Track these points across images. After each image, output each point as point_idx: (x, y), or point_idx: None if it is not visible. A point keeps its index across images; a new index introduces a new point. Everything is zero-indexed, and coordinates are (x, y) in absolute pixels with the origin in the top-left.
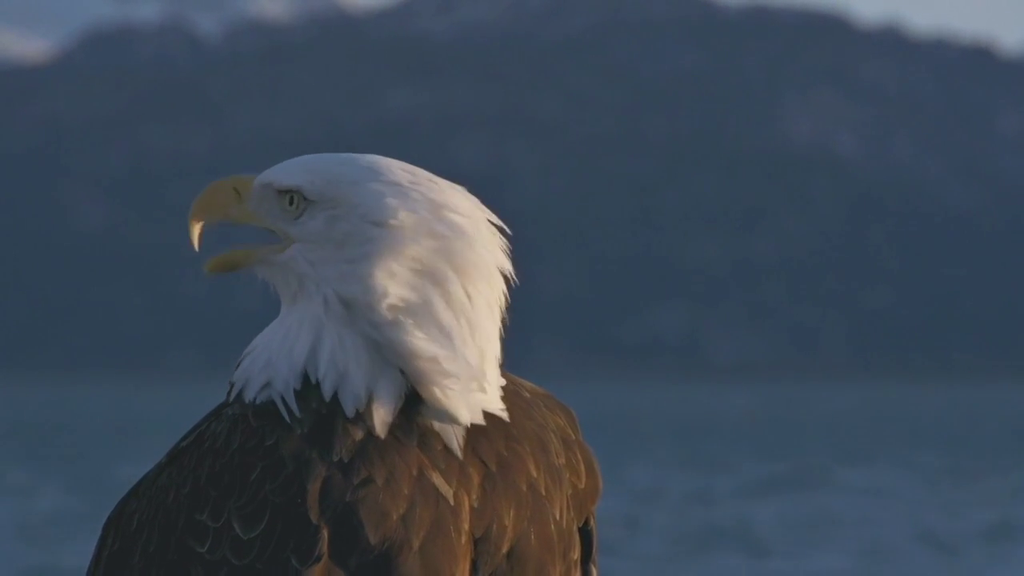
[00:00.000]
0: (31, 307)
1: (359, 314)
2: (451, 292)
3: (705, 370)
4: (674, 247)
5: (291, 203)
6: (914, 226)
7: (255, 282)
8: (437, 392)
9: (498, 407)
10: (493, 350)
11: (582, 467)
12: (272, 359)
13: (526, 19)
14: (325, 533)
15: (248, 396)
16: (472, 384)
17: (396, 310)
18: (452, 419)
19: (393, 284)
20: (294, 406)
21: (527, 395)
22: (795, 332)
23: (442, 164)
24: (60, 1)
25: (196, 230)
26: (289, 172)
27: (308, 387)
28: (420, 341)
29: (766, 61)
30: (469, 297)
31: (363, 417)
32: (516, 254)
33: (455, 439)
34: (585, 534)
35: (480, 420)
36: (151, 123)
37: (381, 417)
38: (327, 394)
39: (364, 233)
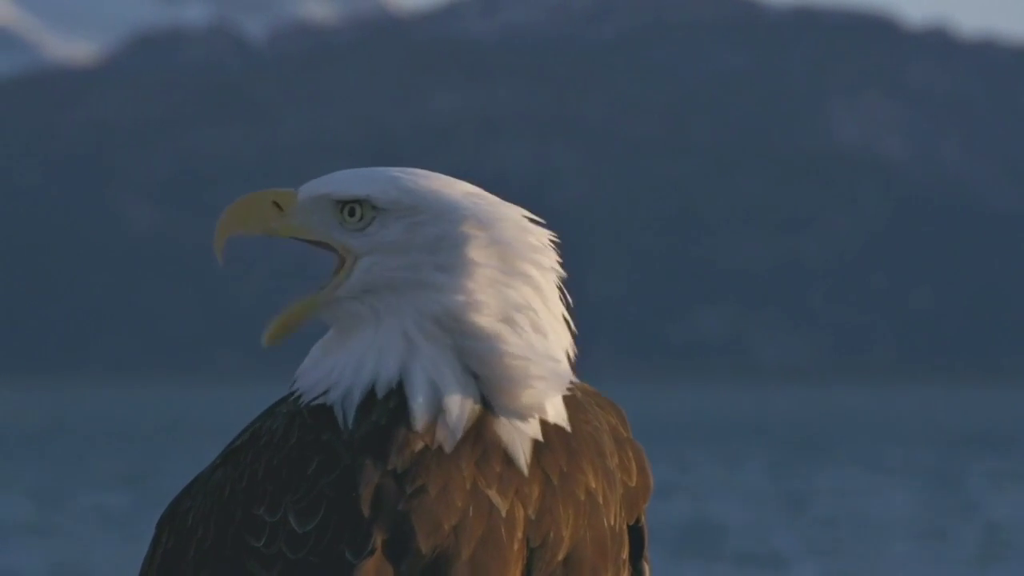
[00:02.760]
0: (80, 309)
1: (451, 320)
2: (543, 290)
3: (751, 372)
4: (720, 249)
5: (352, 214)
6: (960, 228)
7: (303, 283)
8: (525, 395)
9: (563, 417)
10: (571, 350)
11: (633, 465)
12: (345, 371)
13: (570, 21)
14: (377, 533)
15: (307, 401)
16: (561, 383)
17: (493, 312)
18: (532, 420)
19: (492, 287)
20: (351, 416)
21: (579, 395)
22: (840, 334)
23: (486, 166)
24: (107, 5)
25: (222, 242)
26: (352, 183)
27: (373, 398)
28: (516, 342)
29: (812, 63)
30: (548, 297)
31: (430, 429)
32: (562, 256)
33: (522, 453)
34: (636, 532)
35: (562, 422)
36: (198, 125)
37: (450, 429)
38: (393, 404)
39: (455, 237)
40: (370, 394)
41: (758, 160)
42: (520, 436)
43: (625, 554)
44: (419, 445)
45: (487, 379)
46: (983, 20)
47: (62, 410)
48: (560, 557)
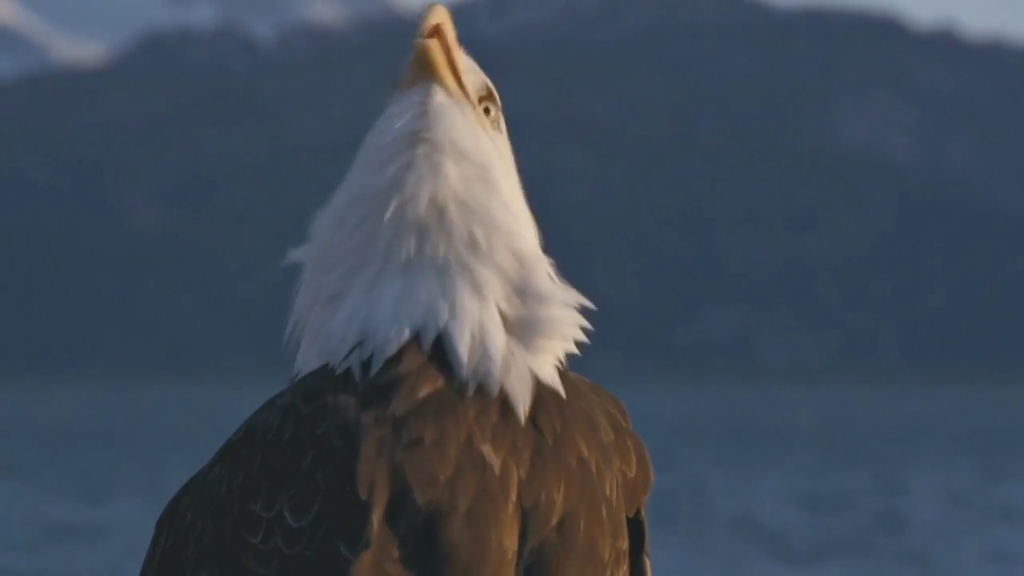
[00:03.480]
0: (87, 309)
1: (511, 256)
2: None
3: (758, 373)
4: (727, 250)
5: (488, 112)
6: (968, 229)
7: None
8: (553, 343)
9: (558, 383)
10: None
11: (633, 456)
12: (382, 318)
13: (579, 22)
14: (374, 519)
15: (338, 358)
16: (579, 333)
17: (540, 255)
18: (538, 372)
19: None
20: (377, 366)
21: (573, 377)
22: (848, 335)
23: None
24: (114, 6)
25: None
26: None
27: (412, 352)
28: (559, 285)
29: (820, 63)
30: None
31: (445, 373)
32: (569, 257)
33: (522, 405)
34: (636, 525)
35: (557, 387)
36: (206, 127)
37: (491, 375)
38: (426, 343)
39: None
40: (409, 342)
41: (766, 160)
42: (522, 387)
43: (625, 544)
44: (423, 391)
45: (514, 322)
46: (990, 21)
47: (66, 411)
48: (553, 522)
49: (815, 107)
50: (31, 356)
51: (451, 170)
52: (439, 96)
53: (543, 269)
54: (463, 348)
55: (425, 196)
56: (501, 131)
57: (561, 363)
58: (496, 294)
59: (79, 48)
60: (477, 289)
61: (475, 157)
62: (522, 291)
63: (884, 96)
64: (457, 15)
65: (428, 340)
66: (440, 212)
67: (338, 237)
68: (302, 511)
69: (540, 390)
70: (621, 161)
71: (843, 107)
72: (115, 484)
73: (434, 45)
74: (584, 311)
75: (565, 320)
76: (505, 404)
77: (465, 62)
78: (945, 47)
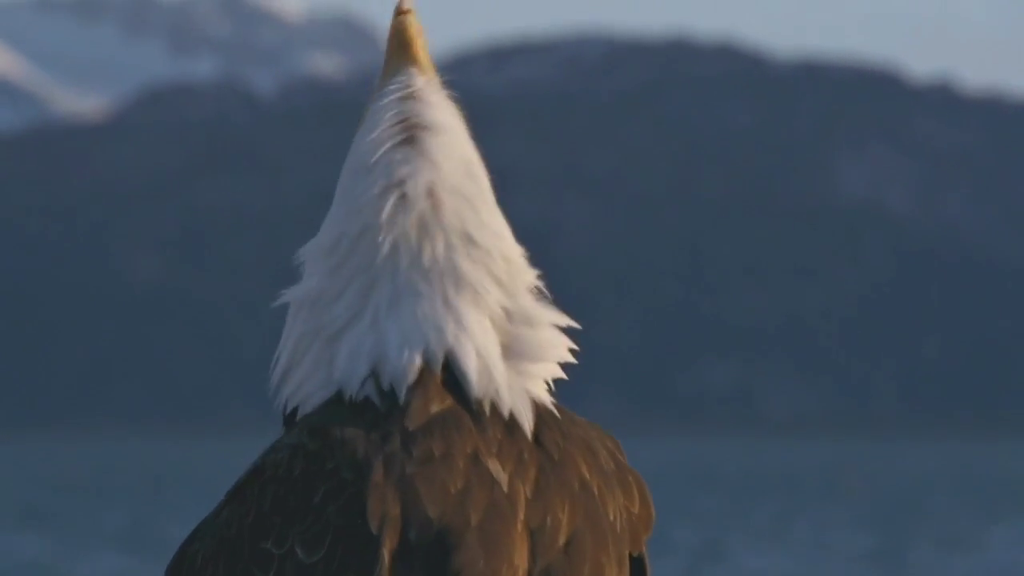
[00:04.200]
0: (88, 362)
1: (505, 274)
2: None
3: (757, 423)
4: (726, 300)
5: None
6: (966, 280)
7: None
8: (547, 365)
9: (553, 405)
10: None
11: (635, 491)
12: (390, 348)
13: (578, 76)
14: (385, 553)
15: (351, 389)
16: (569, 353)
17: (529, 270)
18: (536, 392)
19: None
20: (400, 395)
21: (568, 411)
22: (847, 386)
23: None
24: (116, 59)
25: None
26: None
27: (425, 371)
28: (546, 305)
29: (818, 116)
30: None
31: (452, 390)
32: (569, 308)
33: (527, 420)
34: (637, 562)
35: (553, 408)
36: (206, 179)
37: (498, 395)
38: (435, 367)
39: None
40: (421, 370)
41: (765, 212)
42: (525, 405)
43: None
44: (434, 407)
45: (507, 344)
46: (988, 75)
47: (66, 463)
48: (560, 543)
49: (813, 159)
50: (31, 408)
51: (442, 160)
52: (420, 81)
53: (531, 281)
54: (471, 369)
55: (422, 193)
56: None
57: (550, 386)
58: (493, 312)
59: (81, 101)
60: (477, 302)
61: (463, 147)
62: (515, 309)
63: (882, 149)
64: (457, 68)
65: (437, 364)
66: (438, 211)
67: (331, 265)
68: (314, 546)
69: (539, 409)
70: (621, 213)
71: (841, 159)
72: (110, 533)
73: (412, 20)
74: (574, 335)
75: (554, 343)
76: (510, 421)
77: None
78: (943, 100)
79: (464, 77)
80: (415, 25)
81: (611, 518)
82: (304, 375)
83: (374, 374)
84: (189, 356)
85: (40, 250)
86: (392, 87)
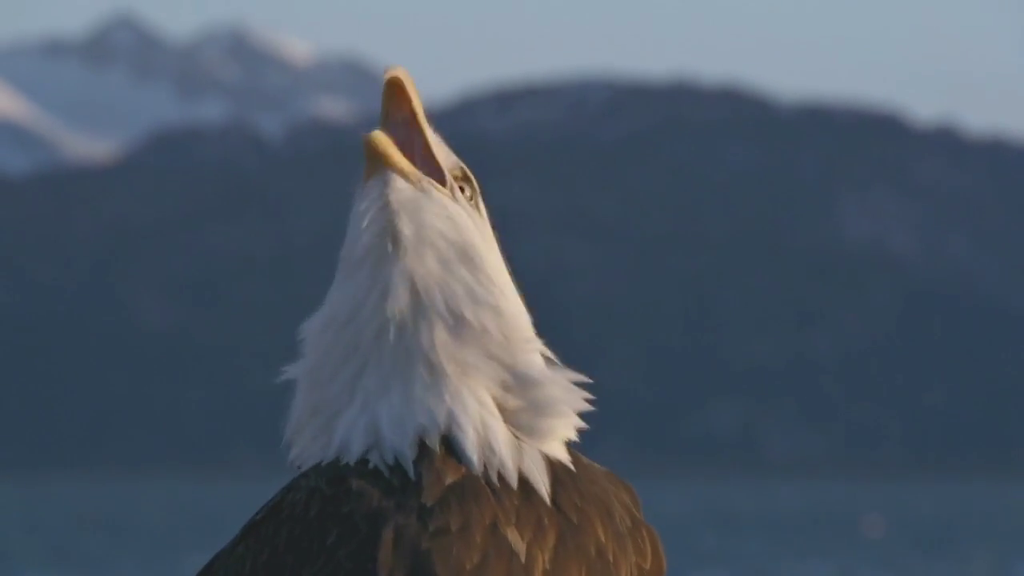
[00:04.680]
0: (96, 406)
1: (501, 346)
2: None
3: (761, 467)
4: (731, 344)
5: (462, 191)
6: (971, 325)
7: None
8: (557, 424)
9: (570, 462)
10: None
11: (648, 547)
12: (387, 425)
13: (584, 119)
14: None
15: (350, 458)
16: (581, 408)
17: (529, 331)
18: (549, 453)
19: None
20: (409, 469)
21: (585, 461)
22: (851, 430)
23: None
24: (124, 103)
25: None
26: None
27: (424, 448)
28: (550, 368)
29: (821, 160)
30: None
31: (463, 464)
32: (574, 351)
33: (543, 484)
34: None
35: (569, 465)
36: (215, 223)
37: (503, 466)
38: (433, 445)
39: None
40: (419, 446)
41: (769, 256)
42: (538, 469)
43: None
44: (447, 479)
45: (516, 409)
46: (991, 118)
47: (76, 505)
48: None
49: (817, 203)
50: (41, 451)
51: (427, 253)
52: (398, 183)
53: (535, 349)
54: (470, 447)
55: (403, 287)
56: (480, 211)
57: (569, 442)
58: (490, 384)
59: (89, 145)
60: (472, 387)
61: (451, 235)
62: (516, 377)
63: (886, 192)
64: (463, 112)
65: (434, 442)
66: (421, 300)
67: (323, 346)
68: None
69: (555, 469)
70: (625, 256)
71: (845, 203)
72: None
73: (381, 136)
74: (584, 386)
75: (564, 399)
76: (526, 486)
77: (434, 137)
78: (947, 144)
79: (470, 120)
80: (388, 139)
81: None
82: (306, 444)
83: (375, 450)
84: (197, 400)
85: (48, 293)
86: (381, 177)
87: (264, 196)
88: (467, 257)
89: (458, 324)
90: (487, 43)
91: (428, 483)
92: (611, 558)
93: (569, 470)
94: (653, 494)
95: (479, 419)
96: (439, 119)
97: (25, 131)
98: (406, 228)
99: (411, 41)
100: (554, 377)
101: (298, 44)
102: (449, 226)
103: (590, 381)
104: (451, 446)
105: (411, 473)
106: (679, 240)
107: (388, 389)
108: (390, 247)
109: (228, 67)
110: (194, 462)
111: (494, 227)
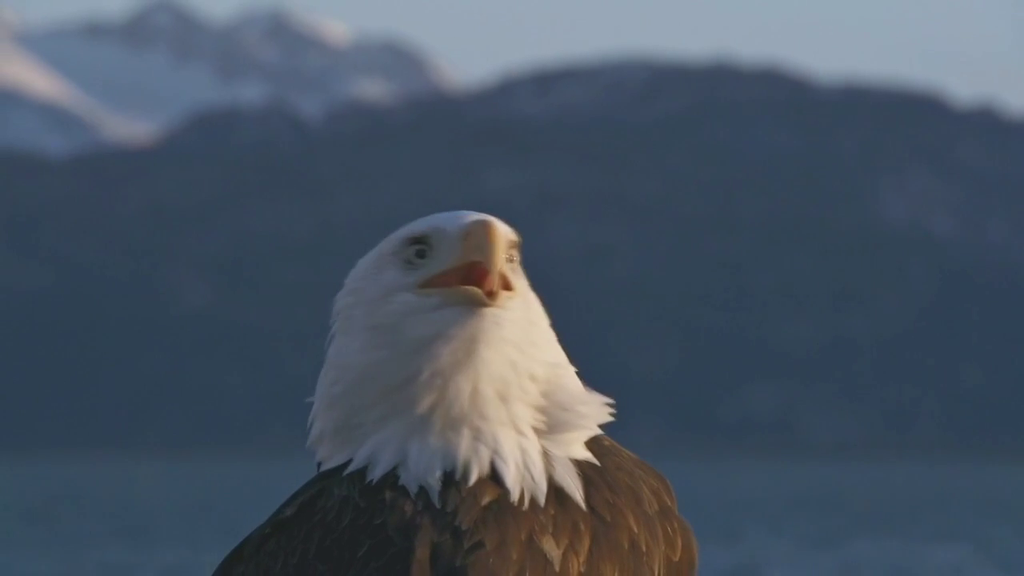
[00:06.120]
0: (136, 387)
1: (531, 382)
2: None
3: (799, 449)
4: (769, 326)
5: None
6: (1009, 306)
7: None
8: (583, 435)
9: (593, 457)
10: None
11: (679, 539)
12: (426, 457)
13: (622, 101)
14: None
15: (375, 476)
16: (604, 415)
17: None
18: (575, 456)
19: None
20: (433, 495)
21: (616, 449)
22: (889, 411)
23: (539, 243)
24: (165, 85)
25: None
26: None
27: (453, 475)
28: (579, 387)
29: (861, 141)
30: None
31: (498, 485)
32: (612, 333)
33: (576, 489)
34: None
35: (594, 460)
36: (254, 204)
37: (537, 487)
38: (472, 477)
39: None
40: (452, 475)
41: (807, 237)
42: (570, 476)
43: None
44: (485, 499)
45: (547, 427)
46: None
47: (115, 485)
48: None
49: (856, 184)
50: (81, 432)
51: (493, 360)
52: (483, 318)
53: (566, 373)
54: (511, 479)
55: (467, 386)
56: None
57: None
58: (528, 415)
59: (130, 127)
60: (512, 422)
61: (513, 339)
62: (550, 401)
63: (925, 173)
64: (502, 94)
65: (474, 471)
66: (479, 392)
67: (364, 397)
68: None
69: (584, 470)
70: (663, 238)
71: (884, 184)
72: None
73: (495, 228)
74: (609, 401)
75: (591, 415)
76: (560, 494)
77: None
78: (986, 124)
79: (509, 102)
80: (500, 238)
81: (656, 572)
82: (330, 453)
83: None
84: (235, 381)
85: (88, 275)
86: (466, 307)
87: (303, 177)
88: (521, 350)
89: (507, 398)
90: (526, 24)
91: (465, 504)
92: (644, 548)
93: (596, 467)
94: (689, 476)
95: (518, 448)
96: (478, 102)
97: (65, 113)
98: (483, 351)
99: (450, 23)
100: (583, 397)
101: (337, 26)
102: (513, 334)
103: (613, 401)
104: (491, 473)
105: (435, 499)
106: (717, 221)
107: (423, 434)
108: (459, 357)
109: (267, 49)
110: (231, 442)
111: (531, 207)
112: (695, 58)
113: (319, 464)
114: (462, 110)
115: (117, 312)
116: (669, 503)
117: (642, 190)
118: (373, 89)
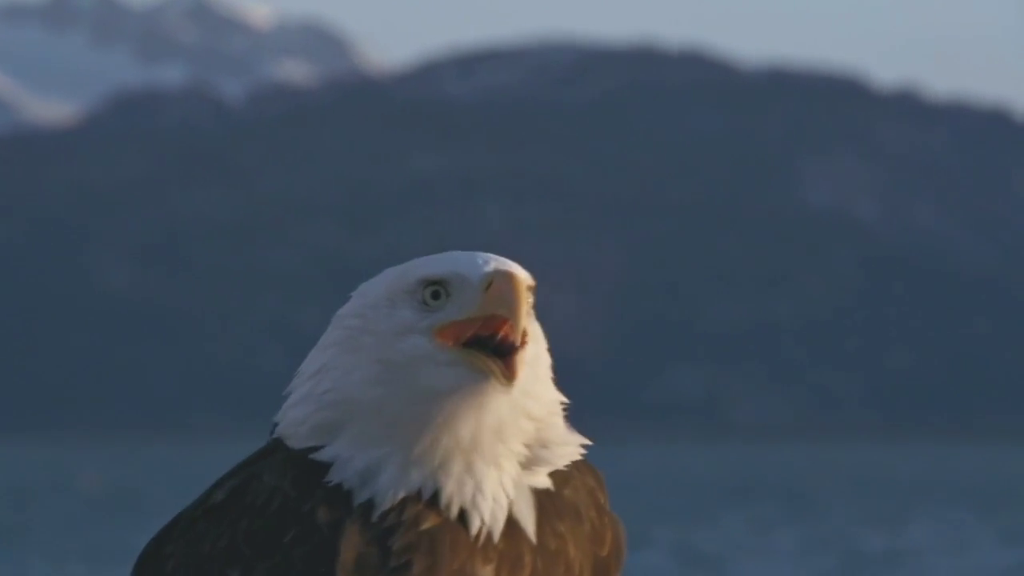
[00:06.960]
0: (58, 369)
1: (531, 421)
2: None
3: (726, 431)
4: (695, 309)
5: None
6: (934, 287)
7: (279, 343)
8: (547, 469)
9: (548, 481)
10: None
11: (609, 535)
12: (394, 474)
13: (547, 83)
14: None
15: (339, 478)
16: (576, 452)
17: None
18: (533, 487)
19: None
20: (381, 507)
21: (561, 442)
22: (816, 393)
23: (464, 226)
24: (86, 66)
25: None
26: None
27: (416, 495)
28: (563, 425)
29: (784, 124)
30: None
31: (440, 514)
32: (537, 315)
33: (530, 523)
34: None
35: (548, 485)
36: (176, 186)
37: (487, 517)
38: (427, 495)
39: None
40: (415, 496)
41: (732, 220)
42: (529, 505)
43: None
44: (425, 525)
45: (526, 462)
46: (953, 82)
47: (34, 470)
48: None
49: (780, 167)
50: (1, 414)
51: (502, 407)
52: (502, 401)
53: (559, 412)
54: (487, 514)
55: (469, 429)
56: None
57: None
58: (514, 452)
59: (51, 108)
60: (496, 469)
61: (522, 394)
62: (539, 441)
63: (848, 156)
64: (426, 76)
65: (453, 512)
66: (476, 444)
67: (366, 409)
68: None
69: (539, 498)
70: (588, 221)
71: (808, 167)
72: (77, 543)
73: (518, 280)
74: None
75: (566, 455)
76: (513, 527)
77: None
78: (908, 107)
79: (432, 84)
80: (525, 298)
81: None
82: (292, 433)
83: (368, 489)
84: (160, 363)
85: (9, 257)
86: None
87: (226, 159)
88: (526, 392)
89: (503, 436)
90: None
91: (403, 525)
92: (577, 570)
93: (550, 492)
94: (615, 459)
95: (498, 484)
96: (403, 84)
97: None
98: (491, 405)
99: (372, 5)
100: (565, 437)
101: (259, 8)
102: (521, 381)
103: (592, 443)
104: (472, 504)
105: (374, 513)
106: (641, 204)
107: (420, 465)
108: (467, 411)
109: (189, 30)
110: (156, 425)
111: (456, 189)
112: (620, 41)
113: (274, 427)
114: (386, 92)
115: (40, 294)
116: (603, 501)
117: (567, 173)
118: (296, 71)
